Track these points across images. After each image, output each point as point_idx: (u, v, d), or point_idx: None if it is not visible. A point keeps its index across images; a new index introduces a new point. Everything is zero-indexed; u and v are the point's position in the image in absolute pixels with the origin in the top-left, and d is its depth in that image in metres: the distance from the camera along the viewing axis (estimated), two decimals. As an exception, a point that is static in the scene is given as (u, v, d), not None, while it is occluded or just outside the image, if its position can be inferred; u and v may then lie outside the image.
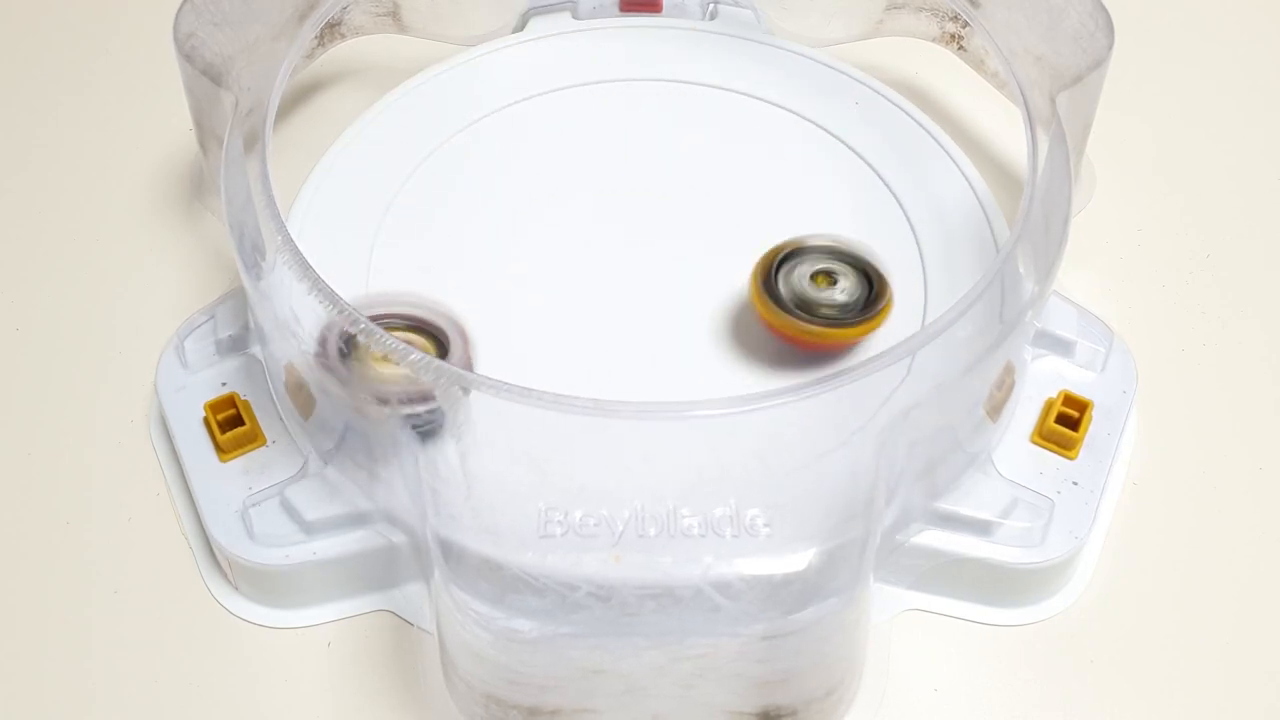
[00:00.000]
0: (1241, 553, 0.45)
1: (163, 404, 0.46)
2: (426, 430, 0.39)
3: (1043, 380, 0.46)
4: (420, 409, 0.39)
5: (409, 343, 0.39)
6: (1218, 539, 0.46)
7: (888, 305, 0.44)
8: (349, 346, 0.40)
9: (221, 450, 0.44)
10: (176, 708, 0.42)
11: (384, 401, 0.39)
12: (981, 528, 0.43)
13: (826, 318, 0.44)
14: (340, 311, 0.39)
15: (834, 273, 0.44)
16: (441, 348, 0.42)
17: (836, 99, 0.52)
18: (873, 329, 0.44)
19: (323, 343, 0.40)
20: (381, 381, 0.39)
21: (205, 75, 0.46)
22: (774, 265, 0.45)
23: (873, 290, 0.44)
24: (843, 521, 0.38)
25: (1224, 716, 0.42)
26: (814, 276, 0.44)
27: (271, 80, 0.47)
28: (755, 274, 0.45)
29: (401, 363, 0.39)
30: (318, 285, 0.41)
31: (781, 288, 0.44)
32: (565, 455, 0.39)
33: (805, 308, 0.44)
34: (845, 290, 0.44)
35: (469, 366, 0.41)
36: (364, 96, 0.54)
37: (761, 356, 0.45)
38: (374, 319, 0.40)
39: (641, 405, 0.38)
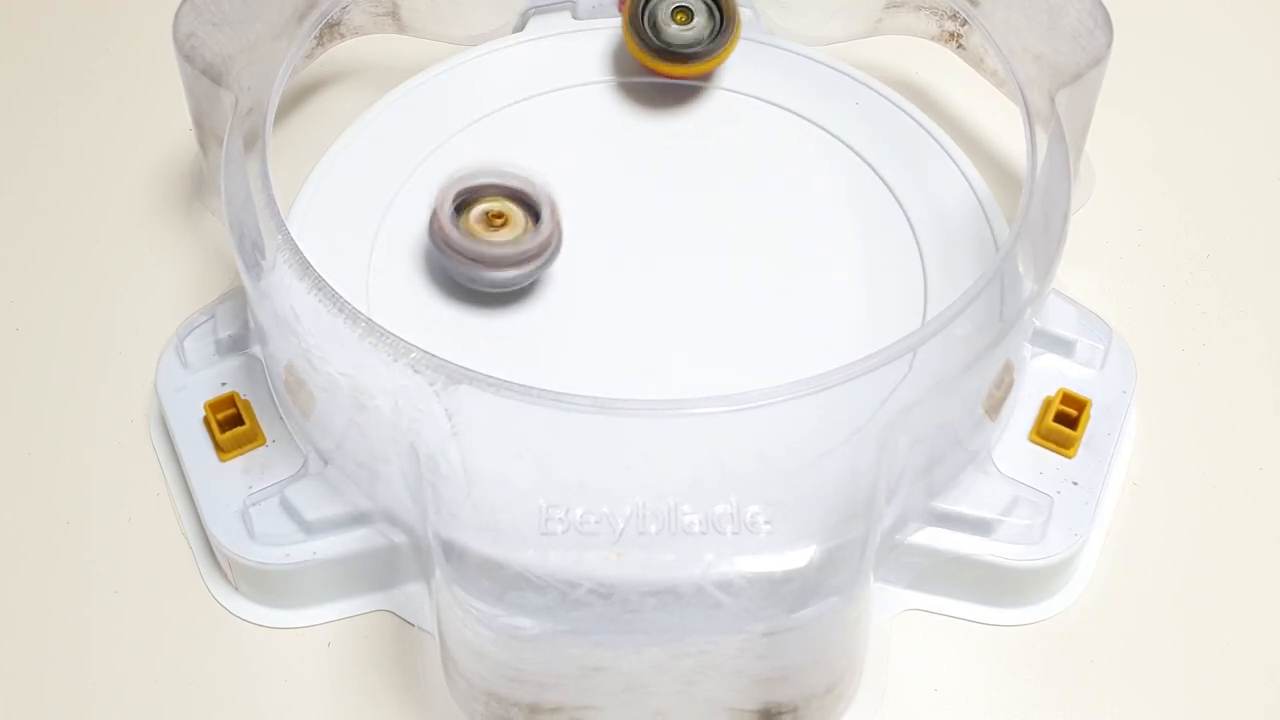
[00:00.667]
0: (1241, 553, 0.45)
1: (163, 404, 0.46)
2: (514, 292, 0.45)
3: (1042, 379, 0.46)
4: (521, 270, 0.45)
5: (503, 212, 0.45)
6: (1218, 539, 0.46)
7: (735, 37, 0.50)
8: (461, 209, 0.45)
9: (221, 450, 0.44)
10: (176, 708, 0.42)
11: (489, 263, 0.44)
12: (981, 526, 0.43)
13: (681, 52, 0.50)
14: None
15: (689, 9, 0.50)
16: (534, 215, 0.45)
17: (836, 99, 0.52)
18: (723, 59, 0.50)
19: (438, 208, 0.45)
20: (488, 245, 0.44)
21: (205, 75, 0.46)
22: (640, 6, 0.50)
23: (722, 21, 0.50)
24: (843, 519, 0.38)
25: (1224, 716, 0.42)
26: (672, 14, 0.50)
27: (271, 80, 0.47)
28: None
29: (400, 359, 0.39)
30: (318, 285, 0.41)
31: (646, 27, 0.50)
32: (566, 453, 0.39)
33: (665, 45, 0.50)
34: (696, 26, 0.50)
35: (558, 235, 0.45)
36: (364, 96, 0.54)
37: (762, 355, 0.46)
38: (473, 188, 0.45)
39: (642, 403, 0.38)
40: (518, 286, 0.46)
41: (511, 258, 0.45)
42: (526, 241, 0.45)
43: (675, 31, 0.50)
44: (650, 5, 0.50)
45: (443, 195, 0.45)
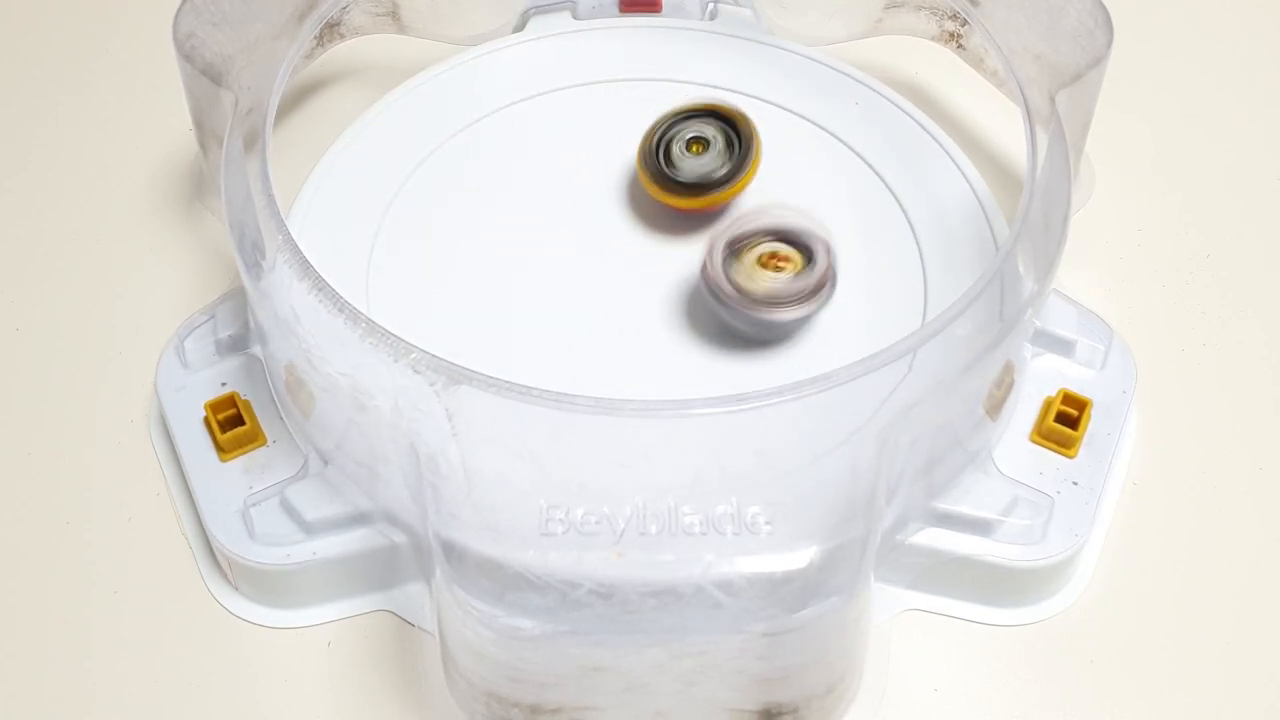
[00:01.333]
0: (1241, 553, 0.45)
1: (163, 404, 0.46)
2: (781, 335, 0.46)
3: (1042, 379, 0.46)
4: (797, 314, 0.45)
5: (776, 254, 0.45)
6: (1218, 539, 0.46)
7: (754, 163, 0.48)
8: (733, 253, 0.45)
9: (222, 450, 0.44)
10: (176, 708, 0.42)
11: (768, 303, 0.44)
12: (981, 526, 0.43)
13: (699, 184, 0.48)
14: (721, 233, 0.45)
15: (704, 139, 0.48)
16: (809, 257, 0.45)
17: (836, 99, 0.52)
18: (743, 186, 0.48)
19: (709, 255, 0.45)
20: (762, 287, 0.44)
21: (205, 75, 0.46)
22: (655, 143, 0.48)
23: (741, 147, 0.48)
24: (843, 520, 0.38)
25: (1224, 716, 0.42)
26: (688, 144, 0.48)
27: (271, 80, 0.47)
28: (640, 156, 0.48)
29: (400, 359, 0.39)
30: (318, 285, 0.41)
31: (662, 163, 0.48)
32: (566, 453, 0.39)
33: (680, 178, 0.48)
34: (713, 156, 0.48)
35: (832, 275, 0.45)
36: (364, 96, 0.54)
37: (763, 355, 0.46)
38: (744, 235, 0.45)
39: (643, 403, 0.38)
40: (798, 326, 0.46)
41: (794, 295, 0.44)
42: (805, 278, 0.44)
43: (690, 164, 0.48)
44: (665, 138, 0.48)
45: (713, 245, 0.45)
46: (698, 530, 0.38)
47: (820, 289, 0.45)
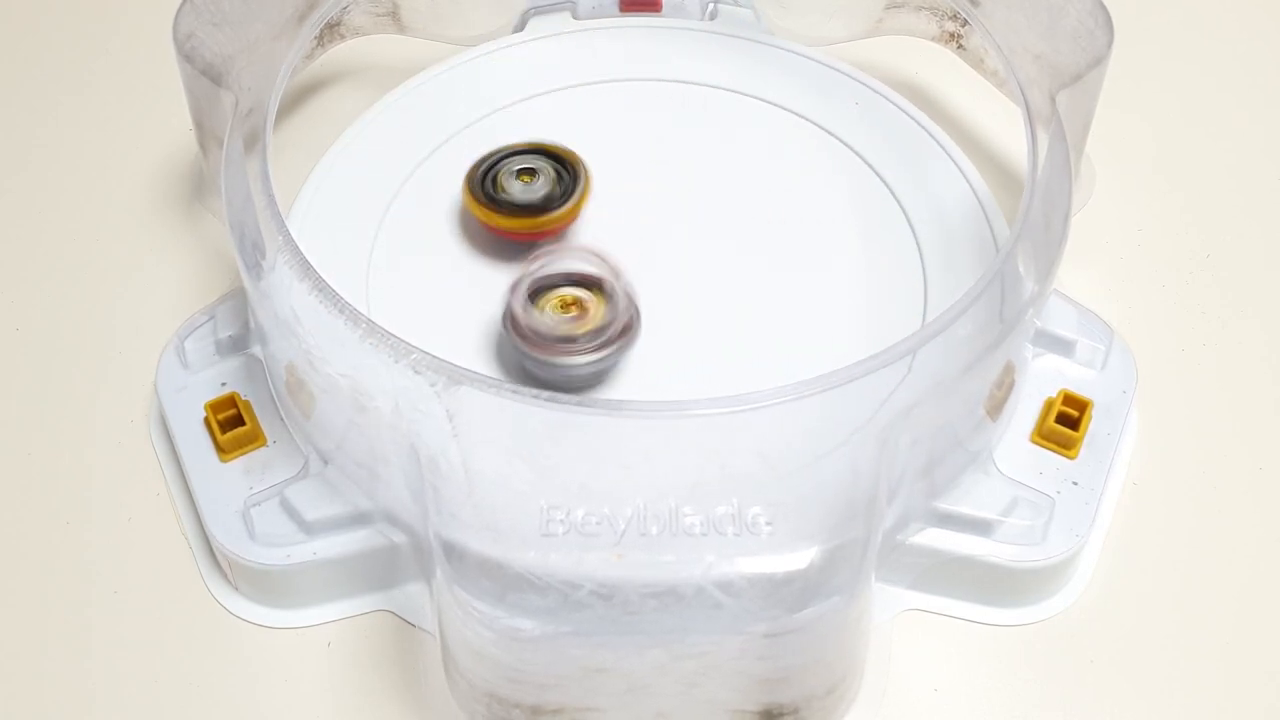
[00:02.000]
0: (1241, 553, 0.45)
1: (163, 404, 0.46)
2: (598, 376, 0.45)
3: (1043, 379, 0.46)
4: (600, 355, 0.44)
5: (574, 300, 0.44)
6: (1218, 539, 0.46)
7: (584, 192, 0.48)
8: (532, 300, 0.44)
9: (222, 450, 0.44)
10: (176, 708, 0.42)
11: (567, 344, 0.43)
12: (982, 527, 0.43)
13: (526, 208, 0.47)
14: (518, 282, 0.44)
15: (534, 170, 0.48)
16: (606, 292, 0.45)
17: (836, 99, 0.52)
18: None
19: (511, 300, 0.44)
20: (561, 331, 0.44)
21: (205, 75, 0.46)
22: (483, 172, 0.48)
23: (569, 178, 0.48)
24: (844, 520, 0.38)
25: (1224, 716, 0.42)
26: (518, 174, 0.48)
27: (271, 80, 0.47)
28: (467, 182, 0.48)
29: (401, 360, 0.39)
30: (318, 285, 0.41)
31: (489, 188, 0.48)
32: (567, 454, 0.39)
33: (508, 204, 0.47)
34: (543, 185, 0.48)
35: (631, 298, 0.44)
36: (364, 96, 0.54)
37: (763, 355, 0.46)
38: (540, 280, 0.44)
39: (643, 404, 0.38)
40: (600, 371, 0.45)
41: (589, 342, 0.44)
42: (604, 323, 0.44)
43: (519, 189, 0.47)
44: (493, 170, 0.48)
45: (516, 289, 0.44)
46: (698, 531, 0.38)
47: (623, 334, 0.44)
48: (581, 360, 0.44)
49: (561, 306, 0.44)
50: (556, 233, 0.48)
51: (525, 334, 0.44)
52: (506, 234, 0.47)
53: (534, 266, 0.45)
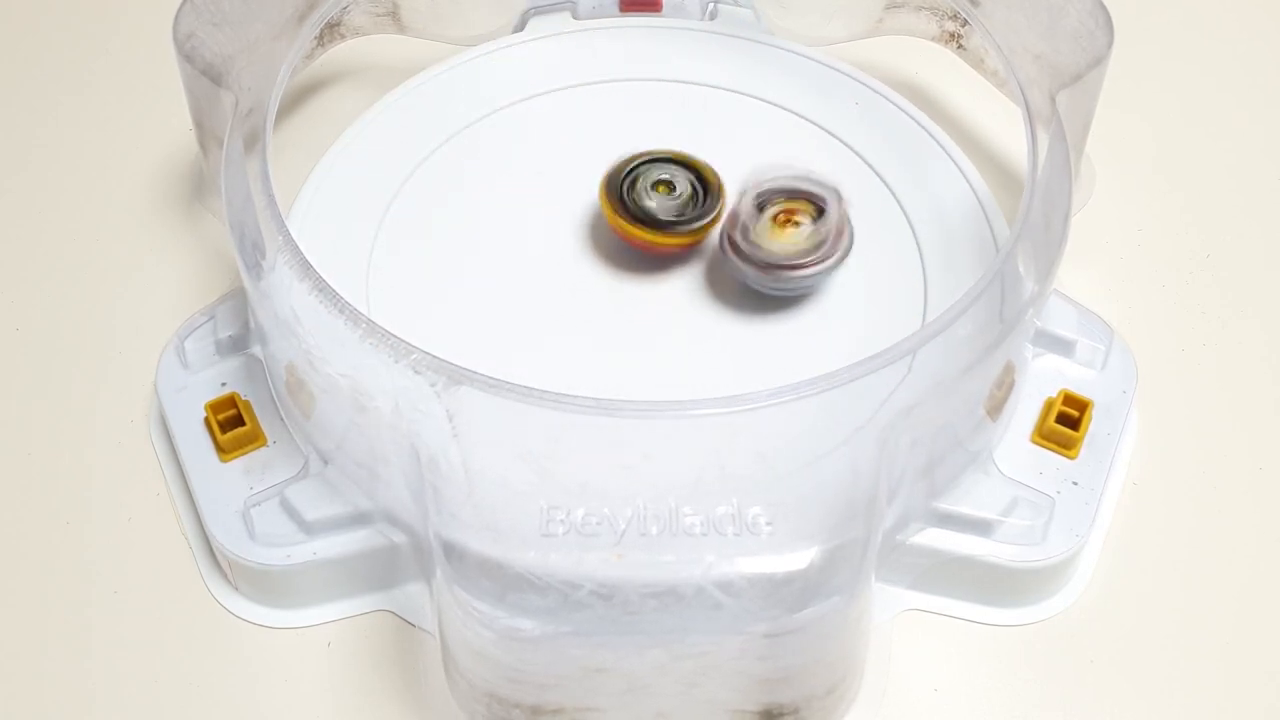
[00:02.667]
0: (1241, 553, 0.45)
1: (163, 404, 0.46)
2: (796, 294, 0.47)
3: (1043, 379, 0.46)
4: (809, 272, 0.45)
5: (790, 210, 0.45)
6: (1218, 539, 0.46)
7: (720, 207, 0.47)
8: (760, 210, 0.45)
9: (222, 450, 0.44)
10: (176, 708, 0.42)
11: (781, 266, 0.45)
12: (982, 527, 0.43)
13: (664, 222, 0.47)
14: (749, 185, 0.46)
15: (671, 181, 0.47)
16: (819, 209, 0.45)
17: (836, 99, 0.52)
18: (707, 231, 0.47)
19: (735, 214, 0.46)
20: (780, 246, 0.45)
21: (205, 75, 0.46)
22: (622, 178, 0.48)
23: (707, 191, 0.47)
24: (844, 520, 0.38)
25: (1224, 716, 0.42)
26: (654, 185, 0.47)
27: (271, 80, 0.47)
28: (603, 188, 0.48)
29: (401, 360, 0.39)
30: (318, 285, 0.41)
31: (626, 200, 0.47)
32: (567, 454, 0.39)
33: (646, 216, 0.47)
34: (679, 197, 0.47)
35: (846, 224, 0.46)
36: (364, 96, 0.54)
37: (764, 355, 0.46)
38: (764, 191, 0.46)
39: (643, 404, 0.38)
40: (818, 282, 0.47)
41: (811, 254, 0.45)
42: (820, 234, 0.45)
43: (657, 203, 0.47)
44: (631, 175, 0.47)
45: (741, 202, 0.45)
46: (698, 531, 0.38)
47: (839, 243, 0.46)
48: (810, 273, 0.45)
49: (779, 222, 0.45)
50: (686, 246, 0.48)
51: (751, 254, 0.45)
52: (640, 244, 0.47)
53: (743, 189, 0.46)
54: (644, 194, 0.47)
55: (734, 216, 0.46)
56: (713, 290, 0.47)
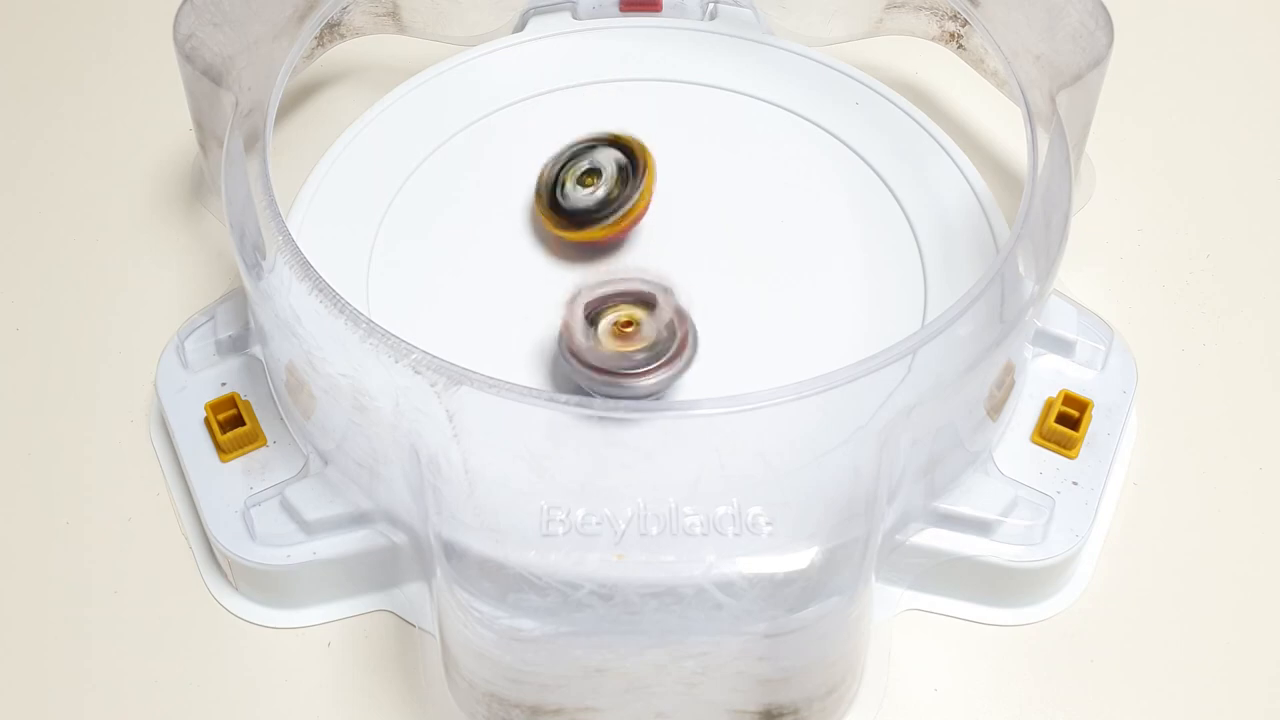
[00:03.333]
0: (1241, 552, 0.45)
1: (163, 404, 0.46)
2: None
3: (1043, 379, 0.46)
4: (654, 380, 0.43)
5: (630, 320, 0.43)
6: (1218, 539, 0.46)
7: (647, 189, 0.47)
8: (594, 320, 0.43)
9: (222, 450, 0.44)
10: (176, 708, 0.42)
11: (616, 372, 0.43)
12: (982, 527, 0.43)
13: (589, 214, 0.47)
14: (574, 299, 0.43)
15: (597, 168, 0.47)
16: (649, 308, 0.44)
17: (836, 99, 0.52)
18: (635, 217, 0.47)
19: (569, 320, 0.43)
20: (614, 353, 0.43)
21: (205, 75, 0.46)
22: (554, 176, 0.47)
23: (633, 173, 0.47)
24: (844, 520, 0.38)
25: (1224, 716, 0.42)
26: (581, 178, 0.47)
27: (271, 80, 0.47)
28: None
29: (401, 360, 0.39)
30: (318, 285, 0.41)
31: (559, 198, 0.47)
32: (567, 454, 0.39)
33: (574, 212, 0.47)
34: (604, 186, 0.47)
35: (683, 314, 0.43)
36: (364, 96, 0.54)
37: (763, 355, 0.46)
38: (598, 299, 0.43)
39: (644, 404, 0.39)
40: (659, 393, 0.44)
41: (647, 363, 0.43)
42: (661, 344, 0.43)
43: (581, 196, 0.47)
44: (561, 171, 0.47)
45: (572, 310, 0.43)
46: (699, 531, 0.38)
47: (677, 357, 0.43)
48: (643, 383, 0.43)
49: (617, 328, 0.43)
50: (618, 236, 0.48)
51: (586, 360, 0.43)
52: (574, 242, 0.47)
53: (583, 290, 0.44)
54: (571, 191, 0.47)
55: (566, 327, 0.43)
56: (713, 290, 0.47)
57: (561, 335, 0.43)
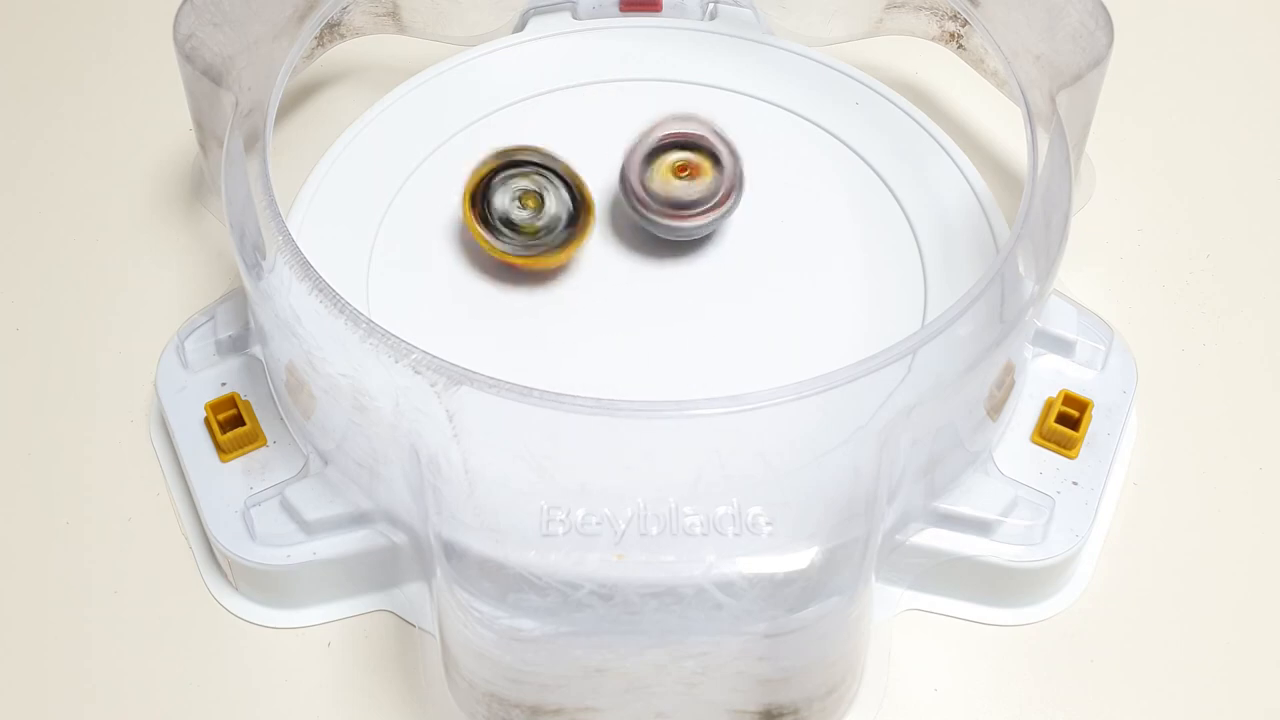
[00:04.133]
0: (1241, 552, 0.45)
1: (163, 404, 0.46)
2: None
3: (1043, 379, 0.46)
4: (704, 220, 0.47)
5: (687, 163, 0.47)
6: (1218, 539, 0.46)
7: (588, 224, 0.47)
8: (650, 160, 0.47)
9: (222, 450, 0.44)
10: (176, 708, 0.42)
11: (676, 207, 0.46)
12: (982, 527, 0.43)
13: (530, 239, 0.47)
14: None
15: (540, 192, 0.47)
16: (716, 161, 0.47)
17: (836, 99, 0.52)
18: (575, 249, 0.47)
19: (626, 164, 0.47)
20: (675, 191, 0.46)
21: (205, 75, 0.46)
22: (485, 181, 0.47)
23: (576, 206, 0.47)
24: (844, 520, 0.38)
25: (1224, 716, 0.42)
26: (520, 197, 0.47)
27: (271, 80, 0.47)
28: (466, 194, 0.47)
29: (401, 360, 0.39)
30: (318, 286, 0.41)
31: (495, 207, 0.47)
32: (567, 454, 0.39)
33: (512, 229, 0.47)
34: (548, 212, 0.47)
35: (738, 182, 0.47)
36: (364, 96, 0.54)
37: (763, 355, 0.46)
38: (658, 144, 0.47)
39: (644, 404, 0.38)
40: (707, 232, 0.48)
41: (703, 202, 0.47)
42: (713, 186, 0.47)
43: (524, 216, 0.46)
44: (492, 185, 0.46)
45: (631, 153, 0.47)
46: (699, 531, 0.38)
47: (728, 197, 0.47)
48: (701, 221, 0.47)
49: (674, 171, 0.47)
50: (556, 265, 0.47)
51: (641, 198, 0.46)
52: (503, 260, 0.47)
53: (642, 135, 0.47)
54: (510, 208, 0.46)
55: (629, 164, 0.47)
56: (714, 290, 0.47)
57: (623, 172, 0.47)
